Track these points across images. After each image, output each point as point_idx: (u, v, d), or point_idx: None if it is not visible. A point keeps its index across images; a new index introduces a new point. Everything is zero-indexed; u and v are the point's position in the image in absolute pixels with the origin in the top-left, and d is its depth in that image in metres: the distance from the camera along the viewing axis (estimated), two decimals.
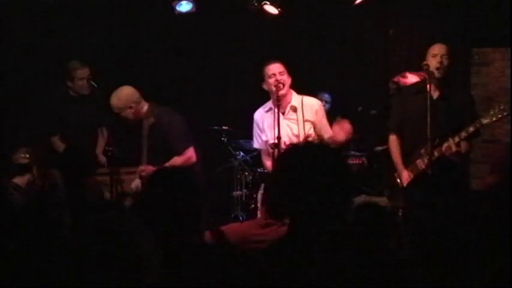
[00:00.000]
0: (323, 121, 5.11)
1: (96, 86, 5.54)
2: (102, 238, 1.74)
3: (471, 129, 4.60)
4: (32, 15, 6.80)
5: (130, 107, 4.96)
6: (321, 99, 5.70)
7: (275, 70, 4.96)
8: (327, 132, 5.14)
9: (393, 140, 5.06)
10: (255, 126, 5.27)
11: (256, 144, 5.33)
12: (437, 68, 4.74)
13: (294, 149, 2.26)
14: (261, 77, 5.04)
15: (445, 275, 2.51)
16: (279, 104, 4.84)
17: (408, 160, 4.91)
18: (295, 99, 5.06)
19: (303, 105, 5.03)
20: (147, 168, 4.87)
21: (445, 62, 4.78)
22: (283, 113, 4.98)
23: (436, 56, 4.81)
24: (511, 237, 2.67)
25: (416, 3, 7.26)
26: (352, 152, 6.57)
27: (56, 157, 5.05)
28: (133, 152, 5.17)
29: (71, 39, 6.92)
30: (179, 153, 4.96)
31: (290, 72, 5.01)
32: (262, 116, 5.17)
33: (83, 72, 5.71)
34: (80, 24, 7.01)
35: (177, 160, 4.92)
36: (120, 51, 7.19)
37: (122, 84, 5.14)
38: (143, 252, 1.76)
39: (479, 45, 7.14)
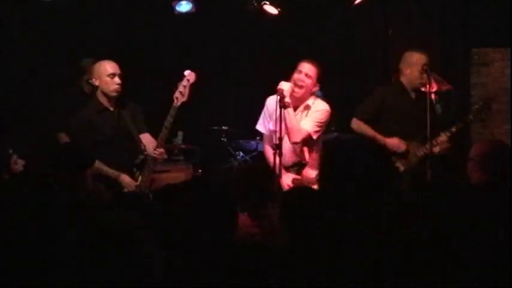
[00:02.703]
0: (310, 119, 5.02)
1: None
2: (105, 238, 1.74)
3: (460, 124, 4.78)
4: (32, 15, 6.80)
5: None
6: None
7: (305, 69, 4.99)
8: (305, 126, 5.01)
9: (360, 123, 5.22)
10: (265, 109, 5.23)
11: (261, 127, 5.29)
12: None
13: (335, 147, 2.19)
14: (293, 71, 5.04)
15: (446, 274, 2.51)
16: (281, 105, 4.81)
17: (399, 156, 5.04)
18: (309, 100, 5.07)
19: (312, 107, 5.04)
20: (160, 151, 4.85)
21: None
22: (294, 109, 4.97)
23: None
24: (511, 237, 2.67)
25: (416, 4, 7.26)
26: None
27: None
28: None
29: (71, 39, 6.92)
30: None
31: (320, 80, 5.04)
32: (273, 105, 4.99)
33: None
34: (79, 25, 7.01)
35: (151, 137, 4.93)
36: (120, 51, 7.18)
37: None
38: (146, 252, 1.76)
39: (479, 45, 7.14)
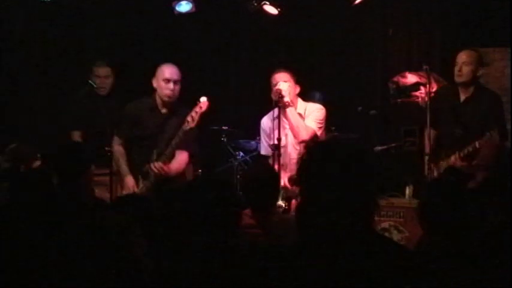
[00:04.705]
0: (310, 120, 5.06)
1: (95, 85, 5.54)
2: (96, 239, 1.74)
3: (470, 149, 4.79)
4: (32, 15, 6.80)
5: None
6: (312, 98, 5.74)
7: (279, 80, 4.99)
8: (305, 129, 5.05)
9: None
10: (262, 133, 5.32)
11: (263, 150, 5.36)
12: (457, 76, 5.10)
13: (318, 146, 2.19)
14: (269, 86, 5.09)
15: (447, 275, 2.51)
16: (280, 107, 4.84)
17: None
18: (300, 106, 5.09)
19: (306, 112, 5.06)
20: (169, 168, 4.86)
21: (465, 69, 5.07)
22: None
23: (457, 64, 5.12)
24: (511, 237, 2.67)
25: (416, 3, 7.26)
26: None
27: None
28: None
29: (71, 39, 6.92)
30: (187, 150, 4.99)
31: (298, 80, 5.05)
32: (269, 123, 5.18)
33: (102, 71, 5.80)
34: (79, 25, 7.01)
35: (185, 158, 4.95)
36: (120, 51, 7.19)
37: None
38: (136, 253, 1.75)
39: (479, 45, 7.13)
